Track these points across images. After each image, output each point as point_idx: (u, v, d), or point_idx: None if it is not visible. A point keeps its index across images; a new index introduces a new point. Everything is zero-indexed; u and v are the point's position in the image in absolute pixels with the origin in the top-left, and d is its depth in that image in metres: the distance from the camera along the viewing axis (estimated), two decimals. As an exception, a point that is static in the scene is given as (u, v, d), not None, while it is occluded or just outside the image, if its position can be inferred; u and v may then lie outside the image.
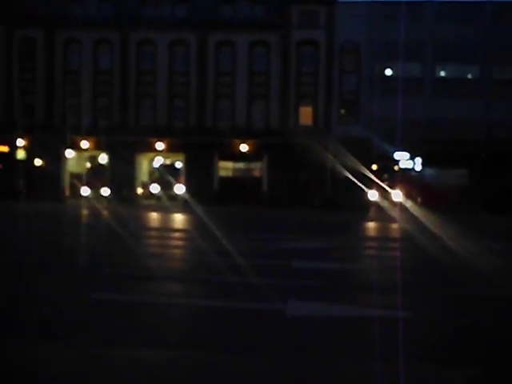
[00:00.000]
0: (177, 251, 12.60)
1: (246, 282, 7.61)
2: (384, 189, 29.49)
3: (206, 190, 32.12)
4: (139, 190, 34.37)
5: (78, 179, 33.67)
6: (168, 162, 34.78)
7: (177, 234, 16.69)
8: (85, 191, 31.46)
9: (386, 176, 31.44)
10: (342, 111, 34.11)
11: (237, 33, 33.90)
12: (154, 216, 24.55)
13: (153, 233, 17.15)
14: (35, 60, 35.70)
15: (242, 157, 33.91)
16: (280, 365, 4.04)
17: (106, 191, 31.70)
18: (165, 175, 32.56)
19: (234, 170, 35.06)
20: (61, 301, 6.19)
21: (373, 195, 29.37)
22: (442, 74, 35.26)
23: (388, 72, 34.07)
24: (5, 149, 34.96)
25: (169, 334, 5.05)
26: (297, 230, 17.27)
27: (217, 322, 5.56)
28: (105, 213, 21.43)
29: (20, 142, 34.57)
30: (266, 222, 21.59)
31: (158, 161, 34.52)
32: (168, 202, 29.69)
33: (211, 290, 7.28)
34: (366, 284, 7.95)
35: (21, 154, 35.02)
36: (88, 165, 36.04)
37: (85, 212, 23.77)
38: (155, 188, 32.23)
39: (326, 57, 33.81)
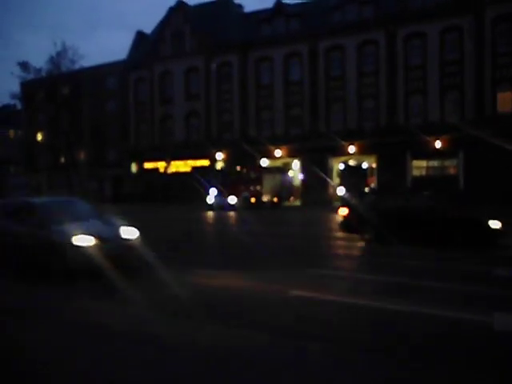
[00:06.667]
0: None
1: (446, 288, 7.46)
2: None
3: (400, 190, 31.26)
4: (330, 192, 35.09)
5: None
6: (352, 163, 34.52)
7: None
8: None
9: None
10: None
11: (427, 22, 32.54)
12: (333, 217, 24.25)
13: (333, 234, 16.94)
14: (231, 81, 39.59)
15: (435, 154, 32.12)
16: None
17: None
18: (350, 177, 32.39)
19: (428, 168, 33.36)
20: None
21: None
22: None
23: None
24: (206, 162, 39.76)
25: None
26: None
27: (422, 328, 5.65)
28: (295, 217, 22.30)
29: (219, 156, 38.84)
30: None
31: (343, 163, 34.56)
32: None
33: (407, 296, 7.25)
34: None
35: (219, 166, 39.28)
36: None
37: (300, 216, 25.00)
38: (341, 190, 32.29)
39: (525, 32, 29.94)
